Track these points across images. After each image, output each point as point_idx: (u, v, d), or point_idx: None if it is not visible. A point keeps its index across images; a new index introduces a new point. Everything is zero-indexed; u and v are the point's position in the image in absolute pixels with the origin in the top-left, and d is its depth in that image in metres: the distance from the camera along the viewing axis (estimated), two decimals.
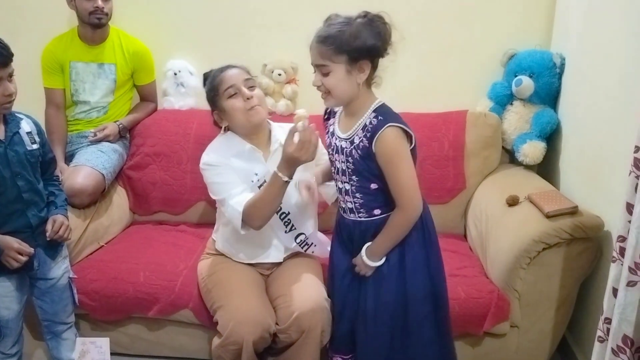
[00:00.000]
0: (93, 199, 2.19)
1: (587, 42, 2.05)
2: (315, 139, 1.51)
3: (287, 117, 2.44)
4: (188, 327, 1.95)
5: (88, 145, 2.39)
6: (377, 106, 1.48)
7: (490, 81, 2.43)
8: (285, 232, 1.82)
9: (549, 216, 1.75)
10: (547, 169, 2.32)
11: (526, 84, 2.24)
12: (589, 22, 2.04)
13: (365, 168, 1.48)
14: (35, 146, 1.69)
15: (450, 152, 2.30)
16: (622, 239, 1.37)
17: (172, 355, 2.02)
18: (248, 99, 1.73)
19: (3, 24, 2.60)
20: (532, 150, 2.24)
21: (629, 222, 1.33)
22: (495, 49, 2.41)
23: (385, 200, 1.52)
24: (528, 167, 2.32)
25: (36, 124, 1.73)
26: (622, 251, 1.37)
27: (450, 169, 2.29)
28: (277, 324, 1.68)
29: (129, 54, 2.44)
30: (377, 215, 1.54)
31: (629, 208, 1.34)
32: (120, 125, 2.45)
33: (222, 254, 1.91)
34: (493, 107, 2.39)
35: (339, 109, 1.59)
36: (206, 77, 1.89)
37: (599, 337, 1.48)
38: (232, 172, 1.73)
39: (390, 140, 1.42)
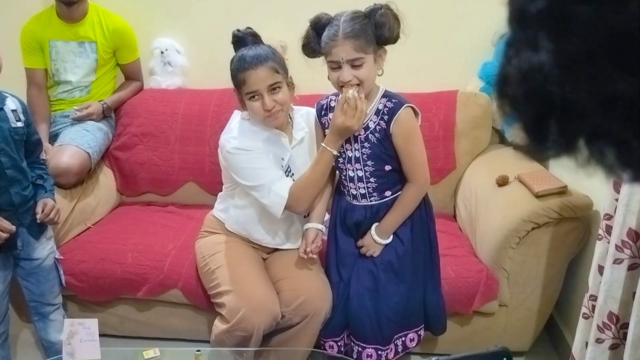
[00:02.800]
0: (79, 179, 2.16)
1: None
2: (364, 107, 1.52)
3: None
4: (177, 307, 1.94)
5: (72, 124, 2.35)
6: (384, 91, 1.59)
7: (480, 61, 2.41)
8: (305, 216, 1.80)
9: (538, 196, 1.76)
10: None
11: None
12: None
13: (382, 150, 1.57)
14: (19, 124, 1.65)
15: (440, 132, 2.29)
16: (609, 217, 1.38)
17: (162, 336, 2.02)
18: (269, 110, 1.61)
19: None
20: None
21: (616, 200, 1.34)
22: (486, 28, 2.38)
23: (397, 180, 1.62)
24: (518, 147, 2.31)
25: (22, 103, 1.70)
26: (608, 229, 1.38)
27: (440, 149, 2.28)
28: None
29: (109, 32, 2.38)
30: (388, 197, 1.62)
31: (616, 186, 1.35)
32: (105, 105, 2.40)
33: (221, 233, 1.86)
34: (484, 87, 2.37)
35: (336, 102, 1.60)
36: (233, 59, 1.69)
37: (584, 314, 1.50)
38: (264, 157, 1.68)
39: (407, 120, 1.55)
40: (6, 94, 1.66)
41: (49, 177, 1.80)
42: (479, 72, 2.41)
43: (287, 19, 2.49)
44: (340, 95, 1.53)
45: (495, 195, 1.95)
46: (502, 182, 1.94)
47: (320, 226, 1.70)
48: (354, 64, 1.47)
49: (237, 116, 1.77)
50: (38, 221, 1.68)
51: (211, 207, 2.00)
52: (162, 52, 2.54)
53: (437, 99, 2.35)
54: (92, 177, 2.29)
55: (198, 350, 1.44)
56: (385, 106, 1.56)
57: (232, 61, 1.66)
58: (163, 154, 2.41)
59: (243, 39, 1.67)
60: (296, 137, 1.75)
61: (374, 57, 1.49)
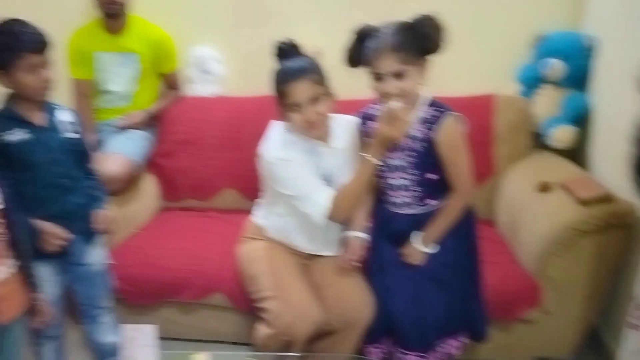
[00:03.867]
0: (125, 186, 2.24)
1: (620, 23, 2.01)
2: (408, 117, 1.54)
3: None
4: (220, 310, 1.99)
5: (117, 132, 2.43)
6: (429, 99, 1.60)
7: (518, 63, 2.40)
8: (344, 225, 1.82)
9: (583, 203, 1.74)
10: (577, 153, 2.30)
11: (556, 67, 2.21)
12: (623, 1, 1.99)
13: (427, 160, 1.59)
14: (74, 135, 1.71)
15: (477, 137, 2.26)
16: None
17: (205, 338, 2.07)
18: (310, 121, 1.64)
19: (26, 16, 2.62)
20: (563, 134, 2.21)
21: None
22: (524, 30, 2.37)
23: (440, 189, 1.63)
24: (558, 151, 2.29)
25: (75, 116, 1.76)
26: None
27: (478, 154, 2.23)
28: None
29: (150, 43, 2.45)
30: (431, 206, 1.64)
31: None
32: (147, 113, 2.48)
33: (262, 238, 1.89)
34: (522, 90, 2.36)
35: (378, 111, 1.63)
36: (275, 71, 1.72)
37: (631, 323, 1.48)
38: (305, 167, 1.70)
39: (454, 129, 1.57)
40: (61, 106, 1.73)
41: (102, 187, 1.86)
42: (516, 75, 2.39)
43: (324, 24, 2.53)
44: (384, 105, 1.54)
45: (536, 201, 1.93)
46: (543, 188, 1.92)
47: (362, 234, 1.72)
48: (398, 76, 1.48)
49: (276, 126, 1.80)
50: (96, 231, 1.75)
51: (249, 212, 2.04)
52: (199, 61, 2.60)
53: (474, 102, 2.34)
54: (136, 183, 2.37)
55: (248, 357, 1.47)
56: (430, 114, 1.57)
57: (274, 73, 1.69)
58: (202, 160, 2.47)
59: (285, 51, 1.70)
60: (335, 146, 1.76)
61: (418, 68, 1.51)
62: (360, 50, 1.56)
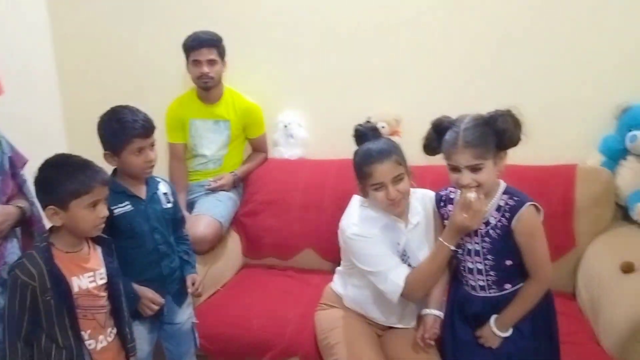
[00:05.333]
0: (212, 246, 2.41)
1: None
2: (484, 207, 1.58)
3: None
4: None
5: (206, 194, 2.62)
6: (505, 187, 1.63)
7: (601, 134, 2.36)
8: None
9: None
10: None
11: None
12: None
13: (503, 246, 1.60)
14: (169, 205, 1.89)
15: (558, 208, 2.24)
16: None
17: None
18: (392, 199, 1.71)
19: (131, 84, 2.93)
20: None
21: None
22: (608, 101, 2.34)
23: (517, 274, 1.63)
24: None
25: (171, 187, 1.94)
26: None
27: (558, 226, 2.23)
28: None
29: (240, 111, 2.66)
30: (508, 290, 1.65)
31: None
32: (235, 176, 2.67)
33: (339, 307, 1.95)
34: (605, 161, 2.31)
35: (455, 195, 1.68)
36: (357, 152, 1.80)
37: None
38: (382, 244, 1.75)
39: (530, 218, 1.58)
40: (159, 179, 1.92)
41: (193, 252, 2.02)
42: (599, 146, 2.35)
43: (403, 95, 2.63)
44: (459, 193, 1.59)
45: (620, 281, 1.87)
46: (627, 268, 1.86)
47: (438, 313, 1.75)
48: (474, 169, 1.54)
49: (356, 202, 1.88)
50: (189, 294, 1.91)
51: (326, 272, 2.11)
52: (285, 126, 2.77)
53: (555, 173, 2.32)
54: (222, 242, 2.53)
55: None
56: (506, 203, 1.60)
57: (356, 154, 1.79)
58: (285, 220, 2.59)
59: (365, 134, 1.80)
60: (412, 222, 1.81)
61: (494, 161, 1.55)
62: (437, 141, 1.62)
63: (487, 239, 1.62)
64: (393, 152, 1.72)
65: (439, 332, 1.74)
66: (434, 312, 1.75)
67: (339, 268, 2.04)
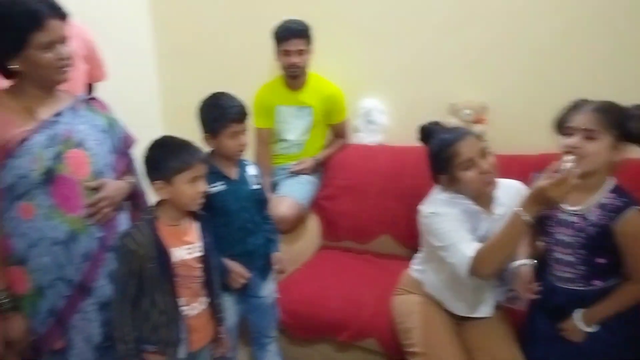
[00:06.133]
0: (293, 227, 2.51)
1: None
2: (575, 183, 1.43)
3: None
4: (372, 354, 2.11)
5: (288, 176, 2.73)
6: (614, 186, 1.57)
7: None
8: (499, 285, 1.84)
9: None
10: None
11: None
12: None
13: (599, 244, 1.56)
14: (257, 186, 1.99)
15: None
16: None
17: None
18: (486, 172, 1.68)
19: (222, 71, 3.07)
20: None
21: None
22: None
23: (608, 271, 1.59)
24: None
25: (258, 169, 2.05)
26: None
27: None
28: None
29: (323, 97, 2.72)
30: (597, 286, 1.60)
31: None
32: (316, 160, 2.75)
33: (418, 293, 1.96)
34: None
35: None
36: (431, 145, 1.82)
37: None
38: (457, 222, 1.71)
39: (637, 223, 1.51)
40: (248, 162, 2.03)
41: (276, 232, 2.13)
42: None
43: (489, 82, 2.59)
44: (557, 163, 1.49)
45: None
46: None
47: (529, 261, 1.68)
48: (588, 136, 1.50)
49: (438, 190, 1.86)
50: (275, 273, 2.02)
51: (403, 258, 2.12)
52: (366, 112, 2.81)
53: None
54: (302, 223, 2.63)
55: None
56: (612, 202, 1.55)
57: (431, 146, 1.80)
58: (362, 206, 2.64)
59: (432, 130, 1.85)
60: (496, 213, 1.77)
61: (611, 144, 1.51)
62: (567, 117, 1.59)
63: (582, 234, 1.57)
64: (469, 131, 1.74)
65: (534, 284, 1.65)
66: (525, 262, 1.68)
67: (417, 254, 2.06)
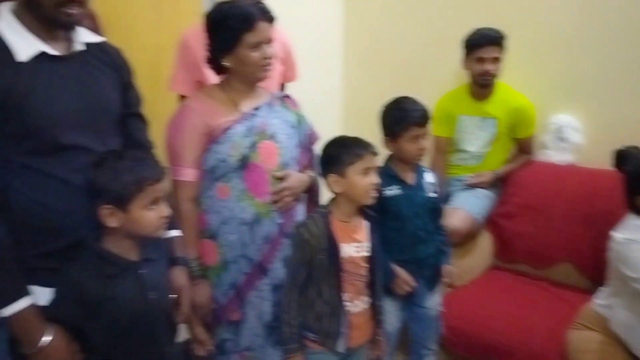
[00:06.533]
0: (464, 241, 2.43)
1: None
2: None
3: None
4: None
5: (464, 188, 2.64)
6: None
7: None
8: None
9: None
10: None
11: None
12: None
13: None
14: (433, 194, 1.96)
15: None
16: None
17: None
18: None
19: (405, 79, 3.04)
20: None
21: None
22: None
23: None
24: None
25: (435, 177, 2.01)
26: None
27: None
28: None
29: (511, 110, 2.58)
30: None
31: None
32: (495, 175, 2.62)
33: (599, 331, 1.81)
34: None
35: None
36: (626, 162, 1.79)
37: None
38: None
39: None
40: (425, 169, 2.01)
41: (449, 244, 2.07)
42: None
43: None
44: None
45: None
46: None
47: None
48: None
49: (634, 216, 1.72)
50: (443, 285, 1.99)
51: (584, 291, 1.93)
52: (558, 128, 2.60)
53: None
54: (474, 238, 2.53)
55: None
56: None
57: (632, 168, 1.70)
58: (543, 228, 2.45)
59: (628, 155, 1.76)
60: None
61: None
62: None
63: None
64: None
65: None
66: None
67: (603, 287, 1.85)
